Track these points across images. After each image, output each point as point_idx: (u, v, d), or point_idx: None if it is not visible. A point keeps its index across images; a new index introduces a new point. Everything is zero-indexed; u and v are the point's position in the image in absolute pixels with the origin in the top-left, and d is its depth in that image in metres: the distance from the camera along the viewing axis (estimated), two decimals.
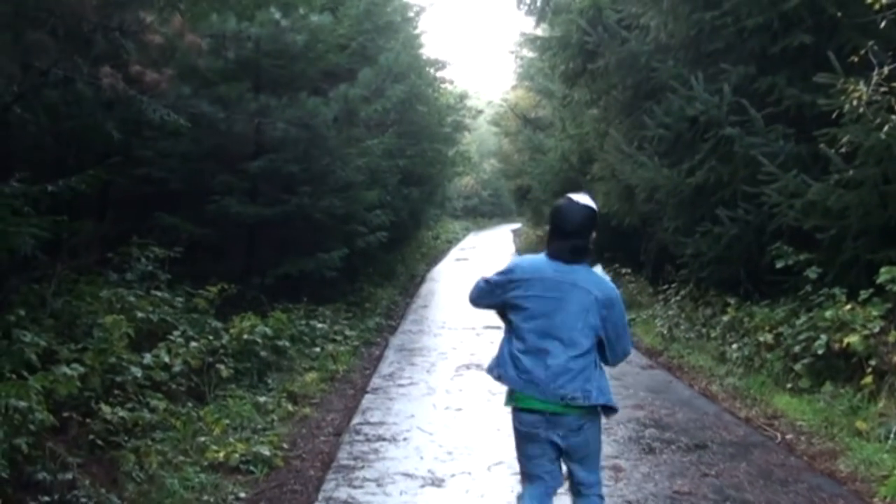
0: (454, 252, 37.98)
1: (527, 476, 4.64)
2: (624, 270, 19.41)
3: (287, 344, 10.96)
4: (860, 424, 7.51)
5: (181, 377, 8.63)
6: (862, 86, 8.44)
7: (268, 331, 10.65)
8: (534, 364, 4.42)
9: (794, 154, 10.70)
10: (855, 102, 8.50)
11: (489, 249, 35.63)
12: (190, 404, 8.38)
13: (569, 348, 4.38)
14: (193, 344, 9.14)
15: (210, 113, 13.12)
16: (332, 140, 14.28)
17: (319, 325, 12.52)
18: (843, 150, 9.39)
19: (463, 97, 35.22)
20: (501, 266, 4.72)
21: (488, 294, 4.67)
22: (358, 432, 7.69)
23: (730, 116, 11.12)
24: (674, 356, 11.74)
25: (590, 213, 4.51)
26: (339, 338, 12.72)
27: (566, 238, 4.46)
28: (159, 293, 10.17)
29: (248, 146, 13.99)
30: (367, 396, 9.29)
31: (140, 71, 9.45)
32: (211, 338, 9.79)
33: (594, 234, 4.53)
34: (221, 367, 9.49)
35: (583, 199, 4.58)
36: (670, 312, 13.80)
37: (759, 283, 11.58)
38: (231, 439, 7.17)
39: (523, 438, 4.60)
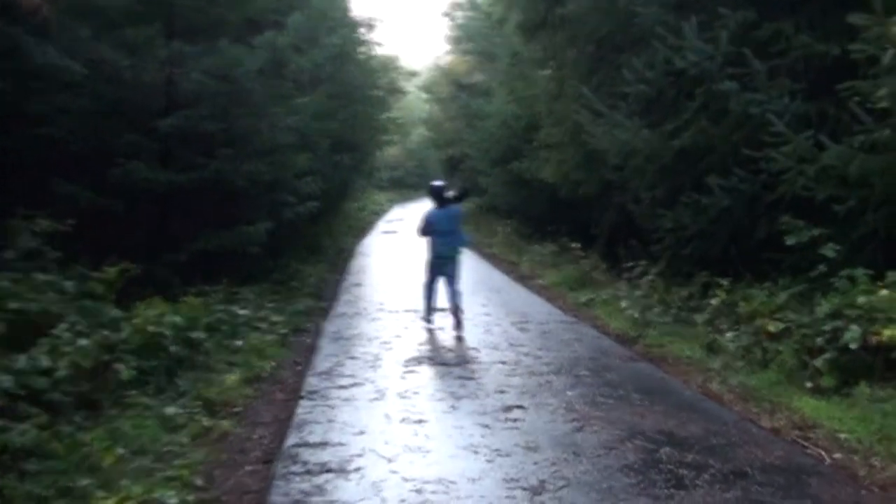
0: (381, 225, 36.24)
1: (431, 278, 11.64)
2: (573, 245, 17.86)
3: (202, 336, 9.11)
4: None
5: (67, 383, 6.89)
6: None
7: (179, 320, 8.82)
8: (442, 242, 11.46)
9: (802, 113, 9.21)
10: None
11: (417, 222, 33.84)
12: (78, 419, 6.61)
13: (451, 235, 11.51)
14: (83, 341, 7.31)
15: (113, 60, 11.24)
16: (257, 95, 12.44)
17: (241, 312, 10.66)
18: (869, 106, 7.94)
19: (393, 61, 33.24)
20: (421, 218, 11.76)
21: (423, 230, 11.69)
22: (294, 459, 5.91)
23: (726, 69, 9.57)
24: (652, 344, 10.20)
25: (442, 187, 11.98)
26: (264, 325, 10.88)
27: (440, 198, 11.65)
28: (43, 275, 8.30)
29: (159, 100, 12.09)
30: (303, 403, 7.51)
31: None
32: (108, 331, 7.98)
33: (450, 192, 11.87)
34: (121, 367, 7.71)
35: (438, 181, 12.51)
36: (638, 293, 12.28)
37: (750, 262, 10.13)
38: (125, 480, 5.35)
39: (435, 266, 11.63)
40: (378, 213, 42.99)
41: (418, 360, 9.40)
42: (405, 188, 61.59)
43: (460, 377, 8.51)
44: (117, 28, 11.35)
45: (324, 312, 13.28)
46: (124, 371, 7.65)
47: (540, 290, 15.81)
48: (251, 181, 12.34)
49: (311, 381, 8.41)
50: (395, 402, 7.56)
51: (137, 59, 11.36)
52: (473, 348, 10.07)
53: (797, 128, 8.94)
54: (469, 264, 20.23)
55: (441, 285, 11.56)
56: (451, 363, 9.23)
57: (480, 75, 31.18)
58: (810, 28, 9.36)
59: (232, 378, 8.12)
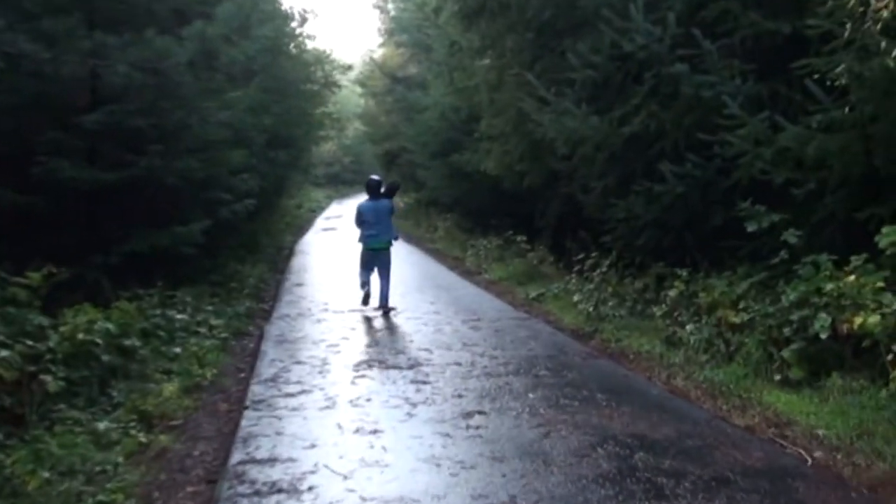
0: (320, 222, 35.64)
1: (365, 268, 12.71)
2: (519, 238, 17.53)
3: (137, 343, 8.55)
4: None
5: None
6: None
7: (111, 327, 8.25)
8: (370, 235, 12.62)
9: (754, 94, 8.94)
10: (868, 23, 6.73)
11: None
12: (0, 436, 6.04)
13: (382, 226, 12.65)
14: (4, 352, 6.72)
15: (31, 52, 10.50)
16: (188, 89, 11.85)
17: (178, 316, 10.10)
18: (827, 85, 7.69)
19: (326, 55, 32.58)
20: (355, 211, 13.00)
21: (356, 221, 12.81)
22: (241, 478, 5.41)
23: (675, 51, 9.27)
24: (609, 339, 9.87)
25: (378, 181, 13.14)
26: (203, 330, 10.32)
27: (374, 192, 12.80)
28: None
29: (82, 95, 11.43)
30: (248, 415, 7.00)
31: None
32: (33, 341, 7.39)
33: (384, 188, 13.02)
34: (48, 378, 7.13)
35: (375, 176, 13.83)
36: (590, 286, 11.96)
37: (707, 251, 9.87)
38: None
39: (367, 258, 12.73)
40: (315, 211, 42.35)
41: (368, 364, 8.94)
42: (342, 184, 60.98)
43: (414, 381, 8.06)
44: (34, 19, 10.65)
45: (266, 314, 12.76)
46: (51, 383, 7.09)
47: (488, 286, 15.44)
48: (184, 179, 11.74)
49: (256, 390, 7.90)
50: (347, 410, 7.10)
51: (58, 52, 10.68)
52: (425, 349, 9.63)
53: (750, 110, 8.66)
54: (413, 260, 19.97)
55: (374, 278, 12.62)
56: (404, 366, 8.77)
57: (415, 68, 30.73)
58: (757, 6, 9.09)
59: (170, 388, 7.57)
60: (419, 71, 29.21)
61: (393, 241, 12.85)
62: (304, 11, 24.60)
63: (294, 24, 25.20)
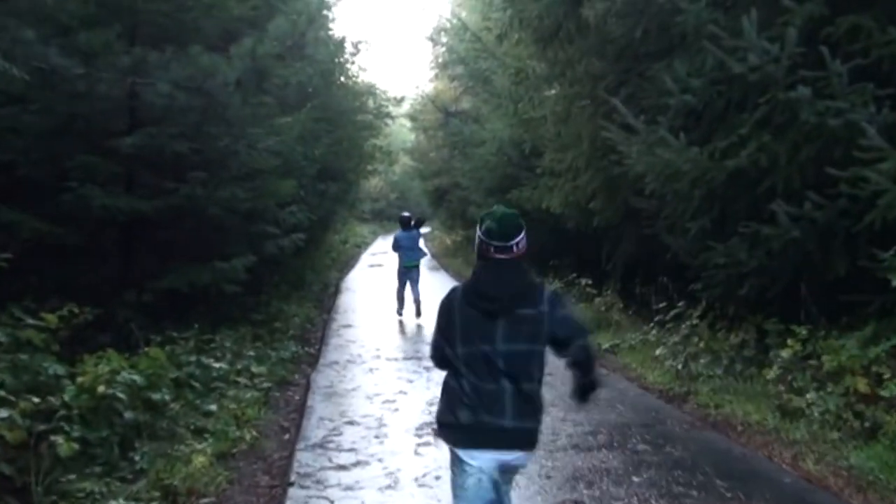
0: (366, 258, 34.58)
1: (400, 281, 16.66)
2: (584, 281, 16.23)
3: (167, 397, 7.37)
4: None
5: None
6: None
7: (138, 379, 7.08)
8: (404, 255, 16.27)
9: (892, 123, 7.62)
10: None
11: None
12: None
13: (413, 250, 16.34)
14: (3, 412, 5.64)
15: (63, 68, 9.51)
16: (235, 111, 10.79)
17: (216, 365, 8.92)
18: None
19: (377, 87, 31.69)
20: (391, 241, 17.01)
21: (393, 246, 16.62)
22: None
23: (795, 73, 7.99)
24: (706, 404, 8.55)
25: (409, 217, 17.04)
26: (242, 379, 9.16)
27: (406, 225, 16.64)
28: None
29: (120, 116, 10.45)
30: (293, 493, 5.79)
31: None
32: (44, 394, 6.36)
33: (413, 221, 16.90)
34: (60, 440, 6.02)
35: (406, 213, 17.86)
36: (675, 339, 10.65)
37: (823, 304, 8.53)
38: None
39: (402, 272, 16.40)
40: (360, 246, 41.35)
41: (433, 427, 7.68)
42: (386, 220, 60.05)
43: None
44: (69, 32, 9.68)
45: (312, 360, 11.60)
46: (63, 445, 6.01)
47: None
48: (227, 209, 10.66)
49: (303, 458, 6.70)
50: (413, 492, 5.88)
51: (93, 68, 9.68)
52: None
53: (889, 142, 7.36)
54: None
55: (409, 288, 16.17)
56: None
57: (469, 102, 29.68)
58: (893, 22, 7.81)
59: (200, 459, 6.36)
60: (473, 105, 28.15)
61: (420, 261, 16.68)
62: (358, 42, 23.44)
63: (347, 54, 24.29)
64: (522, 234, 4.04)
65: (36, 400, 6.08)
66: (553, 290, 4.24)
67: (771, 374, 8.29)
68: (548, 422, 7.62)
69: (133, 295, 10.26)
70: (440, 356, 4.09)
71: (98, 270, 10.92)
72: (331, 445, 7.08)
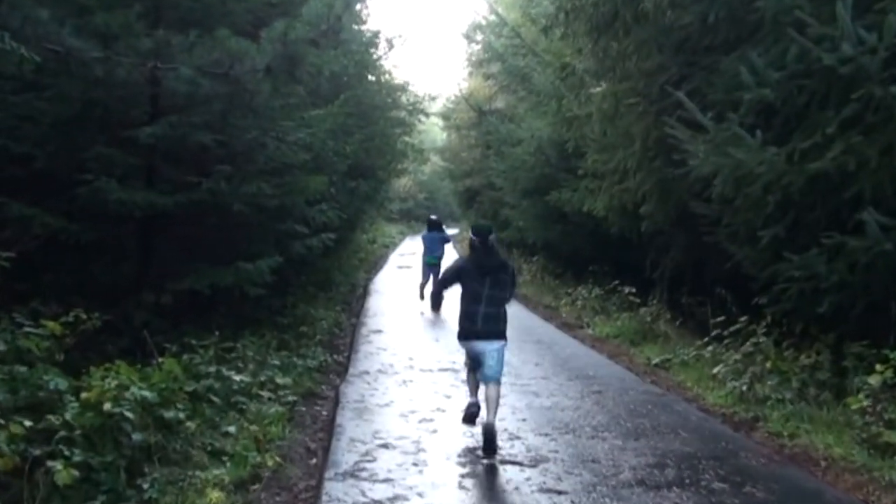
0: (394, 258, 33.84)
1: (424, 274, 19.02)
2: (627, 290, 15.37)
3: (181, 415, 6.58)
4: None
5: None
6: None
7: (149, 395, 6.29)
8: (427, 252, 18.85)
9: None
10: None
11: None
12: None
13: (435, 248, 18.76)
14: None
15: (79, 51, 8.76)
16: (263, 101, 9.99)
17: (237, 377, 8.10)
18: None
19: (410, 84, 30.89)
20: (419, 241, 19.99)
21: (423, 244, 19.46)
22: None
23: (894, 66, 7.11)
24: (778, 432, 7.65)
25: (436, 219, 20.37)
26: (266, 392, 8.35)
27: (432, 226, 19.55)
28: None
29: (140, 104, 9.70)
30: None
31: None
32: (38, 416, 5.62)
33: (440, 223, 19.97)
34: (58, 465, 5.27)
35: (433, 216, 21.17)
36: (735, 357, 9.76)
37: None
38: None
39: (426, 266, 18.84)
40: (388, 246, 40.63)
41: (477, 454, 6.87)
42: (414, 220, 59.32)
43: (544, 489, 5.98)
44: (86, 13, 8.93)
45: (341, 369, 10.82)
46: (62, 472, 5.29)
47: (594, 344, 13.29)
48: (253, 206, 9.88)
49: (332, 490, 5.89)
50: None
51: (112, 52, 8.92)
52: (544, 434, 7.53)
53: None
54: None
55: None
56: (524, 461, 6.68)
57: (503, 101, 28.89)
58: None
59: (215, 495, 5.55)
60: (508, 103, 27.34)
61: (441, 258, 18.46)
62: (392, 38, 22.60)
63: (381, 49, 23.51)
64: (493, 234, 7.71)
65: (28, 424, 5.32)
66: (514, 265, 8.73)
67: (856, 403, 7.37)
68: (605, 449, 6.85)
69: (151, 296, 9.54)
70: (445, 288, 7.98)
71: (115, 270, 10.20)
72: (363, 474, 6.27)
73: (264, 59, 9.50)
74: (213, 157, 9.79)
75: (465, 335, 7.49)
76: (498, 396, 7.21)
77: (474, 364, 7.52)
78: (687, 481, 6.16)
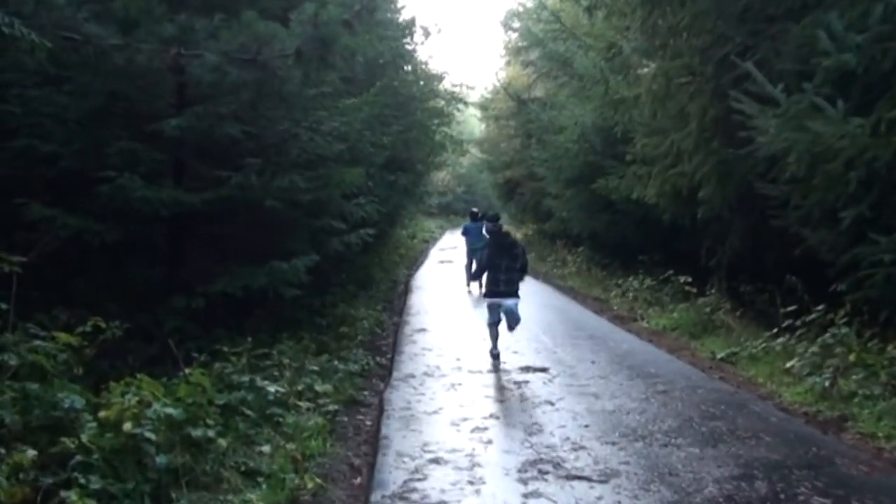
0: (434, 253, 33.19)
1: (468, 259, 20.27)
2: (682, 279, 14.59)
3: (210, 433, 5.93)
4: None
5: None
6: None
7: (174, 412, 5.66)
8: (469, 241, 20.11)
9: None
10: None
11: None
12: None
13: (477, 236, 18.55)
14: None
15: (97, 37, 8.21)
16: (294, 88, 9.37)
17: (272, 388, 7.44)
18: None
19: (447, 75, 30.18)
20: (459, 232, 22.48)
21: (462, 232, 21.02)
22: None
23: None
24: (872, 433, 6.89)
25: (476, 211, 21.25)
26: (304, 403, 7.69)
27: (474, 217, 20.38)
28: None
29: (163, 94, 9.15)
30: None
31: None
32: (52, 438, 5.03)
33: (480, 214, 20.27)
34: (72, 496, 4.69)
35: (475, 208, 23.08)
36: (812, 349, 8.99)
37: None
38: None
39: (469, 252, 20.16)
40: (428, 241, 40.03)
41: (539, 469, 6.16)
42: (453, 214, 58.63)
43: None
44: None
45: (384, 372, 10.16)
46: (77, 502, 4.66)
47: (651, 337, 12.52)
48: (287, 201, 9.26)
49: None
50: None
51: (132, 38, 8.33)
52: (612, 442, 6.80)
53: None
54: (547, 300, 17.32)
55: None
56: (593, 477, 5.94)
57: (542, 89, 28.08)
58: None
59: None
60: (548, 91, 26.55)
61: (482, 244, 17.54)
62: (429, 26, 21.95)
63: (418, 38, 22.85)
64: (500, 220, 11.54)
65: (33, 453, 4.71)
66: (523, 244, 12.01)
67: None
68: (682, 459, 6.07)
69: (182, 300, 8.95)
70: (487, 267, 10.96)
71: (147, 273, 9.65)
72: (414, 496, 5.60)
73: (294, 43, 8.88)
74: (242, 149, 9.22)
75: (491, 294, 10.79)
76: (517, 325, 10.94)
77: (494, 319, 10.78)
78: (782, 496, 5.42)
